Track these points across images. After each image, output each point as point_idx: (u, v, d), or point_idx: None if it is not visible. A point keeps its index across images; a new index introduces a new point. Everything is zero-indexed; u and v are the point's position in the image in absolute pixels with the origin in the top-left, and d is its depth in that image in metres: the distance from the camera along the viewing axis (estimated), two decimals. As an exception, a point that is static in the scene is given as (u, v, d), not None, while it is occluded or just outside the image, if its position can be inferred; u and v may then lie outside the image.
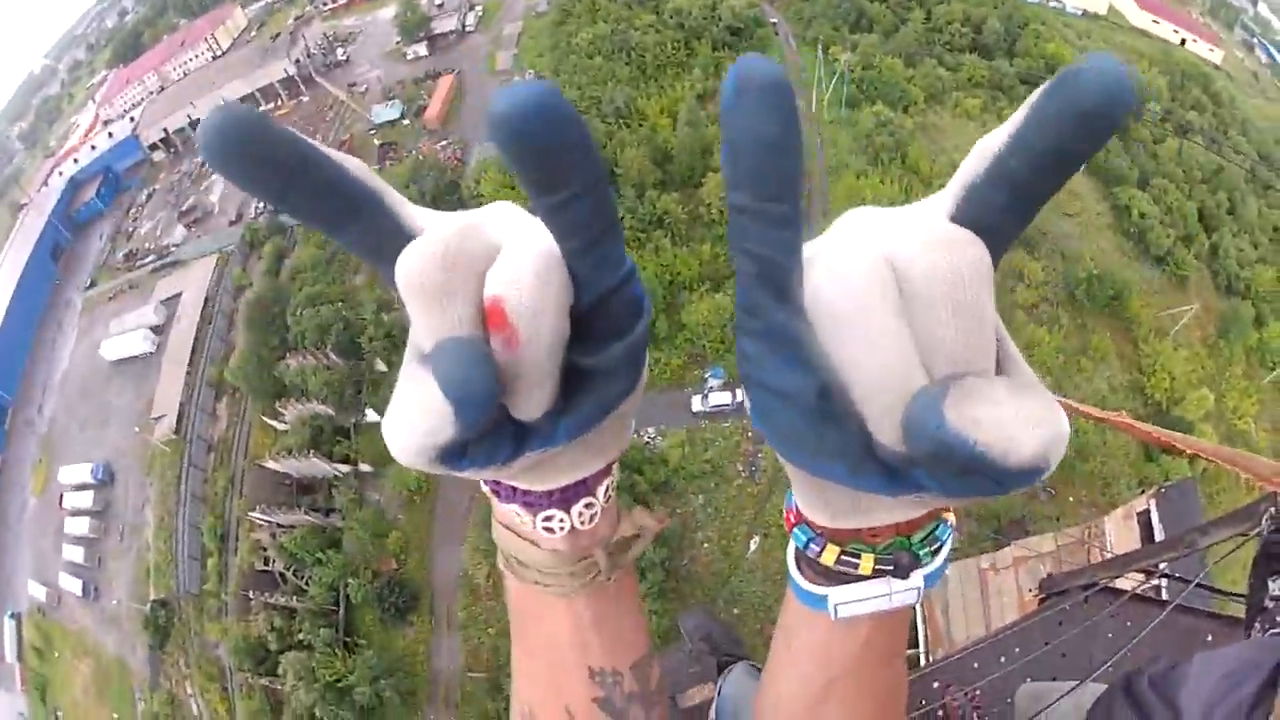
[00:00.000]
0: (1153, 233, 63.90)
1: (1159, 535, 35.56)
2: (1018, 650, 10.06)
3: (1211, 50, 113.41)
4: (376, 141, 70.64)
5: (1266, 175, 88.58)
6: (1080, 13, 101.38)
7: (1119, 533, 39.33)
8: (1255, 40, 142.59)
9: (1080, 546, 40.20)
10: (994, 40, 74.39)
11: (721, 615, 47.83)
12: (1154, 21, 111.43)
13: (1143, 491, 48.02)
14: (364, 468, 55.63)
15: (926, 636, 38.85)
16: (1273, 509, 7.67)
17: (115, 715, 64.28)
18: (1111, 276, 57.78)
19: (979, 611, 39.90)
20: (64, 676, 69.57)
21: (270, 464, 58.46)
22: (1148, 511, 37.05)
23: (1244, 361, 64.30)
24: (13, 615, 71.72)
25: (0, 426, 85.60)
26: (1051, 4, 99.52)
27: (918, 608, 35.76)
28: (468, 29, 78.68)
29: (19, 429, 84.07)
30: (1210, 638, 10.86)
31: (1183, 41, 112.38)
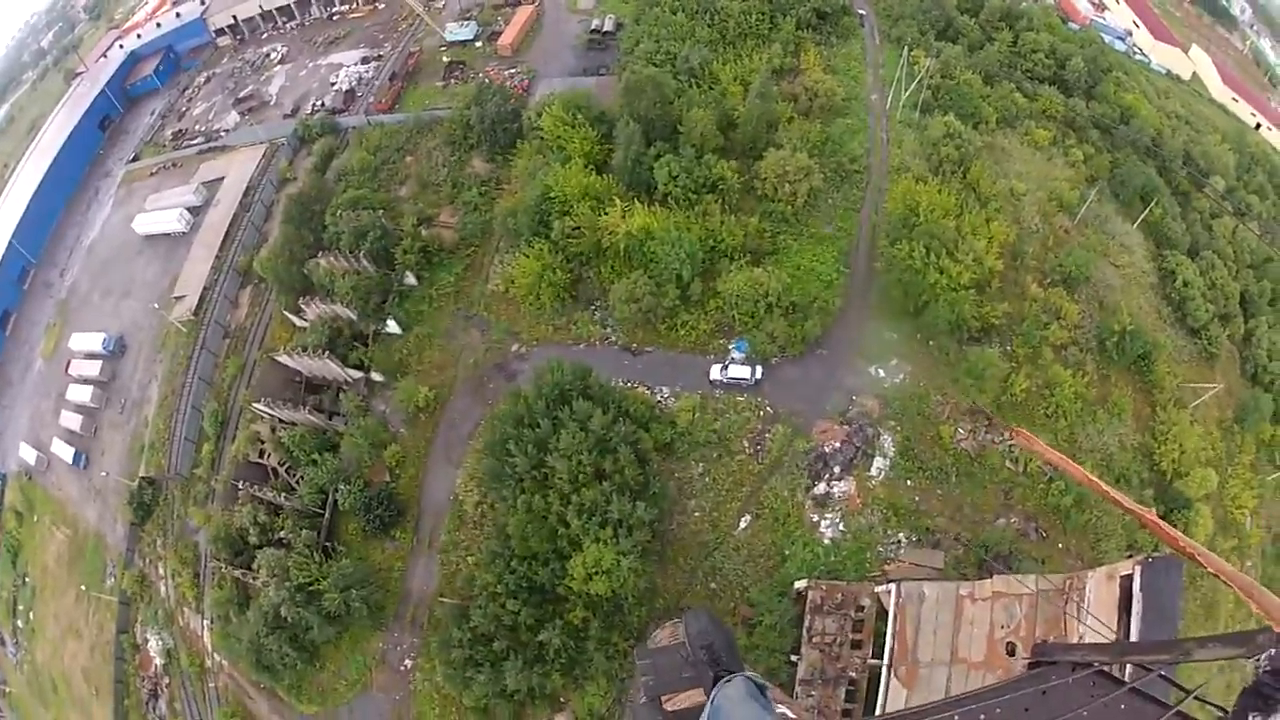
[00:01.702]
0: (1193, 303, 63.01)
1: (1136, 604, 35.13)
2: (999, 712, 9.86)
3: None
4: (445, 59, 70.32)
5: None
6: (1165, 71, 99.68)
7: (1099, 592, 38.73)
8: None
9: (1059, 595, 39.87)
10: (1075, 78, 73.08)
11: (698, 586, 48.04)
12: (1233, 99, 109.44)
13: (1130, 556, 47.66)
14: (375, 376, 55.67)
15: (893, 650, 38.83)
16: (1273, 650, 7.64)
17: (83, 586, 64.91)
18: (1144, 335, 57.08)
19: (948, 636, 39.63)
20: (39, 542, 70.03)
21: (283, 358, 58.45)
22: (1131, 578, 36.62)
23: (1254, 452, 63.43)
24: None
25: (19, 285, 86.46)
26: (1137, 57, 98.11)
27: (890, 619, 35.12)
28: (556, -38, 78.31)
29: (37, 290, 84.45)
30: None
31: (1258, 125, 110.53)
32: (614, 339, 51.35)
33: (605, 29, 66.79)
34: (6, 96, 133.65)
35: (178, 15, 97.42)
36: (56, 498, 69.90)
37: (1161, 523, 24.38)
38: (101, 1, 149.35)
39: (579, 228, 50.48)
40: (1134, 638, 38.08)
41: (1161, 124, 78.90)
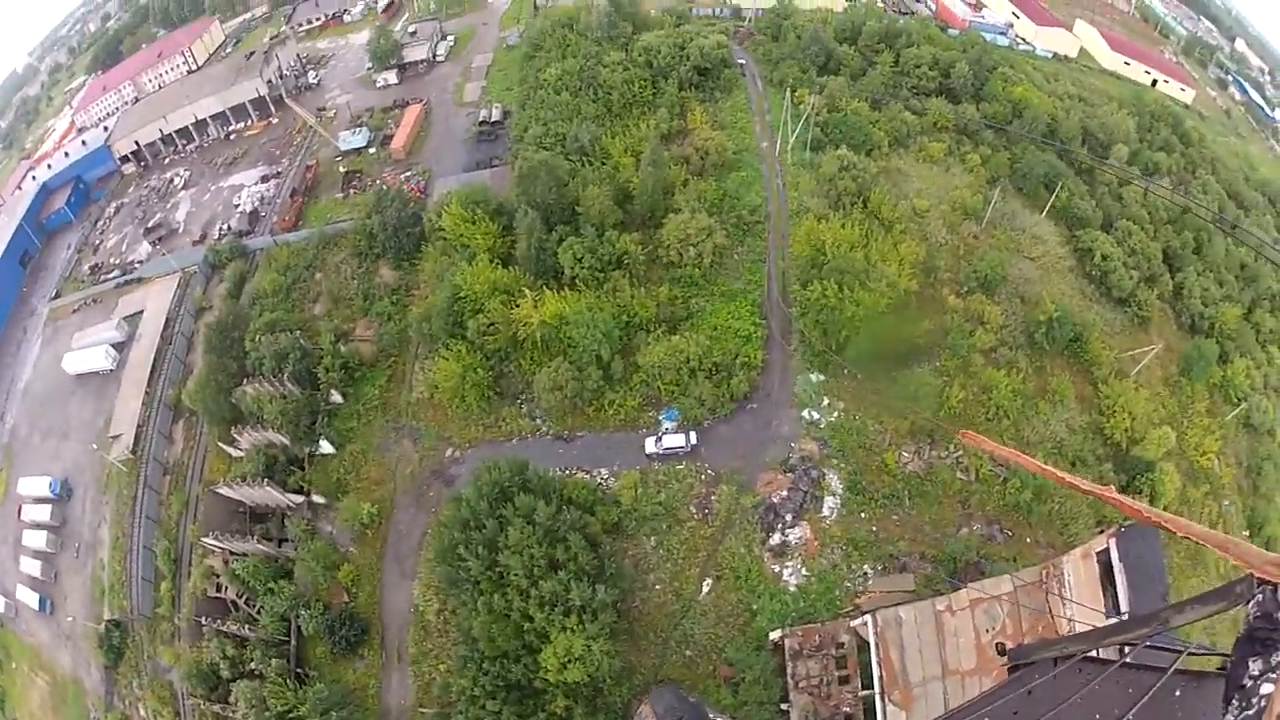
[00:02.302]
0: (1115, 274, 64.55)
1: (1119, 575, 35.71)
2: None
3: (1183, 90, 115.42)
4: (342, 169, 70.78)
5: (1235, 214, 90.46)
6: (1050, 54, 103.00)
7: (1078, 573, 39.34)
8: (1230, 77, 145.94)
9: (1039, 588, 40.39)
10: (961, 84, 75.11)
11: (673, 656, 47.82)
12: (1125, 63, 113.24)
13: (1101, 530, 48.29)
14: (317, 499, 55.12)
15: (882, 678, 38.97)
16: (1260, 595, 7.73)
17: None
18: (1072, 319, 58.27)
19: (935, 653, 39.87)
20: (21, 689, 67.84)
21: (224, 490, 57.78)
22: (1107, 550, 37.22)
23: (1207, 399, 64.78)
24: None
25: None
26: (1022, 47, 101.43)
27: (873, 648, 35.24)
28: (438, 58, 79.06)
29: None
30: (1179, 692, 10.56)
31: (1154, 82, 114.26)
32: (545, 429, 51.44)
33: (493, 119, 67.71)
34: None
35: (84, 143, 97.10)
36: (30, 644, 68.20)
37: (1121, 497, 24.79)
38: (13, 130, 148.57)
39: (493, 324, 50.76)
40: (1124, 608, 38.67)
41: (1055, 109, 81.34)
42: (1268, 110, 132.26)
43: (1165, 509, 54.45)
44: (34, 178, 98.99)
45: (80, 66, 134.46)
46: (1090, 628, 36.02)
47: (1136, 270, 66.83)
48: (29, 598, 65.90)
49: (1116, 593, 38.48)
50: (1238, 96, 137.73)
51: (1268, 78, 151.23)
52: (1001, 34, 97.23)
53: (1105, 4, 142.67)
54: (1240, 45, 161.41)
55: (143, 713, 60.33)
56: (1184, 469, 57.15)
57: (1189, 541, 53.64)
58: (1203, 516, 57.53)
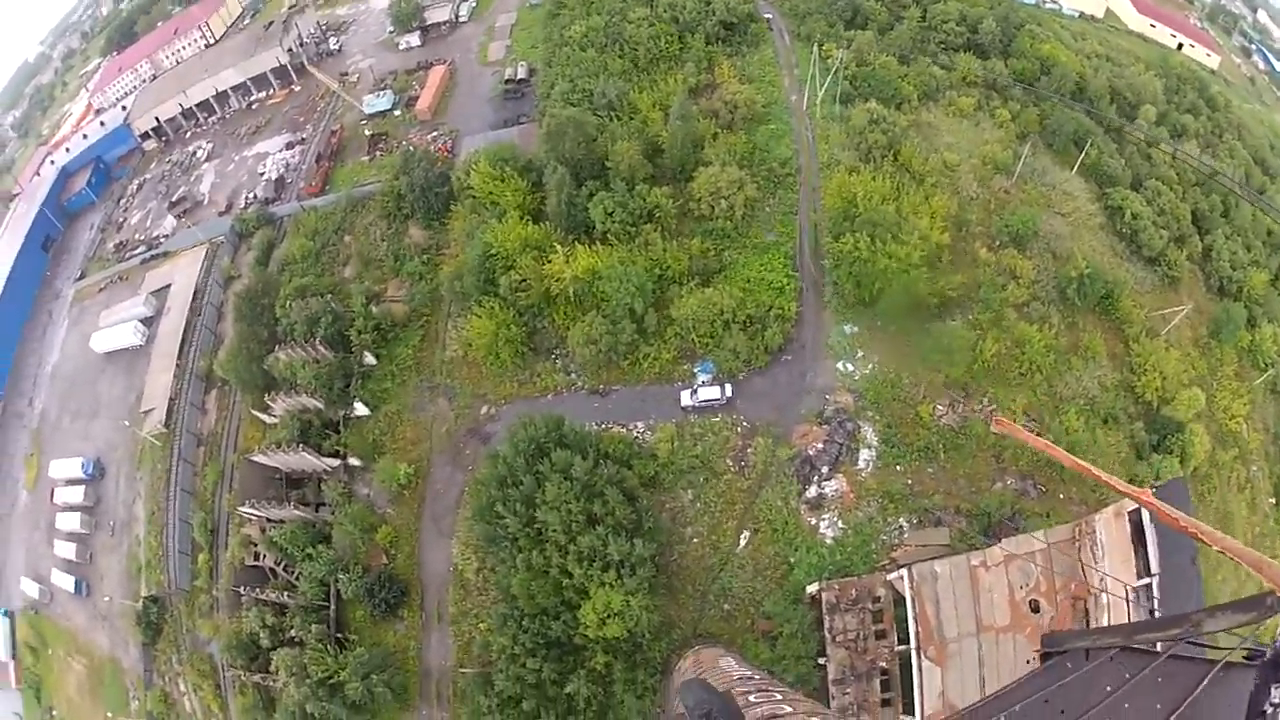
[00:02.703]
0: (1145, 233, 63.62)
1: (1149, 536, 35.45)
2: (1018, 709, 9.80)
3: (1209, 55, 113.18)
4: (368, 132, 70.24)
5: (1261, 180, 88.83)
6: (1077, 14, 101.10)
7: (1109, 531, 39.10)
8: (1254, 46, 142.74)
9: (1071, 545, 40.11)
10: (989, 40, 73.94)
11: (711, 610, 47.85)
12: (1151, 25, 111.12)
13: None
14: (353, 461, 55.29)
15: (918, 633, 38.90)
16: None
17: (109, 713, 63.83)
18: (1103, 276, 57.45)
19: (969, 608, 39.73)
20: (58, 674, 69.02)
21: (259, 458, 58.04)
22: (1139, 510, 36.96)
23: (1235, 362, 64.00)
24: (6, 613, 71.27)
25: None
26: (1048, 5, 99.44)
27: (909, 603, 35.09)
28: (460, 19, 78.15)
29: (9, 422, 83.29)
30: (1199, 681, 10.48)
31: (1179, 46, 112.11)
32: (580, 384, 51.32)
33: (519, 77, 67.01)
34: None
35: (102, 124, 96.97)
36: (66, 628, 69.16)
37: (1159, 503, 24.45)
38: (28, 119, 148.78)
39: (525, 280, 50.52)
40: (1154, 569, 38.46)
41: (1083, 67, 79.81)
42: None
43: (1195, 470, 54.22)
44: (52, 162, 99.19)
45: (95, 50, 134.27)
46: (1122, 588, 36.03)
47: (1166, 230, 65.74)
48: (64, 581, 66.64)
49: (1147, 552, 38.30)
50: (1261, 66, 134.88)
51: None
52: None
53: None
54: (1262, 16, 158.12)
55: (182, 688, 61.20)
56: (1213, 431, 56.34)
57: (1218, 508, 52.88)
58: (1231, 481, 57.02)
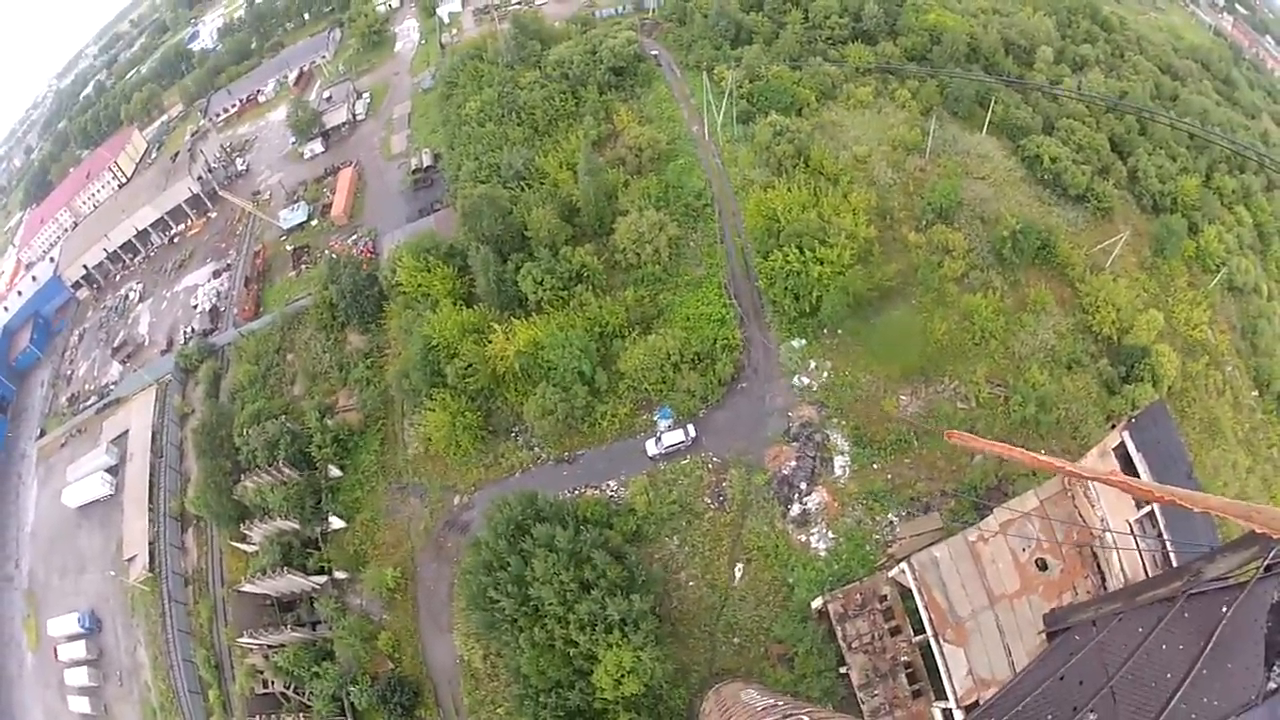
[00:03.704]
0: (1068, 174, 64.58)
1: (1139, 465, 35.71)
2: (1040, 693, 9.91)
3: None
4: (289, 247, 70.47)
5: (1171, 86, 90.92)
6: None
7: (1100, 473, 39.43)
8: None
9: (1064, 496, 40.57)
10: (874, 25, 75.23)
11: (722, 647, 47.82)
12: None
13: (1113, 425, 48.35)
14: (339, 575, 55.00)
15: (931, 621, 39.12)
16: None
17: None
18: (1035, 228, 58.01)
19: (978, 584, 40.00)
20: None
21: (248, 587, 57.56)
22: (1123, 444, 37.35)
23: (1186, 273, 64.87)
24: None
25: None
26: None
27: (916, 594, 35.36)
28: (359, 117, 78.72)
29: (1, 587, 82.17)
30: (1226, 608, 10.35)
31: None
32: (545, 456, 51.50)
33: (425, 165, 67.56)
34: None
35: (34, 279, 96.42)
36: None
37: (1129, 479, 24.34)
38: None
39: (470, 365, 50.77)
40: (1153, 489, 38.52)
41: (971, 27, 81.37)
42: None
43: (1170, 390, 54.92)
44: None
45: (14, 204, 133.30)
46: (1125, 524, 36.40)
47: (1088, 165, 66.99)
48: None
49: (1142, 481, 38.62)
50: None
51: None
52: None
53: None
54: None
55: None
56: (1179, 346, 57.27)
57: (1202, 417, 53.52)
58: (1209, 387, 57.66)
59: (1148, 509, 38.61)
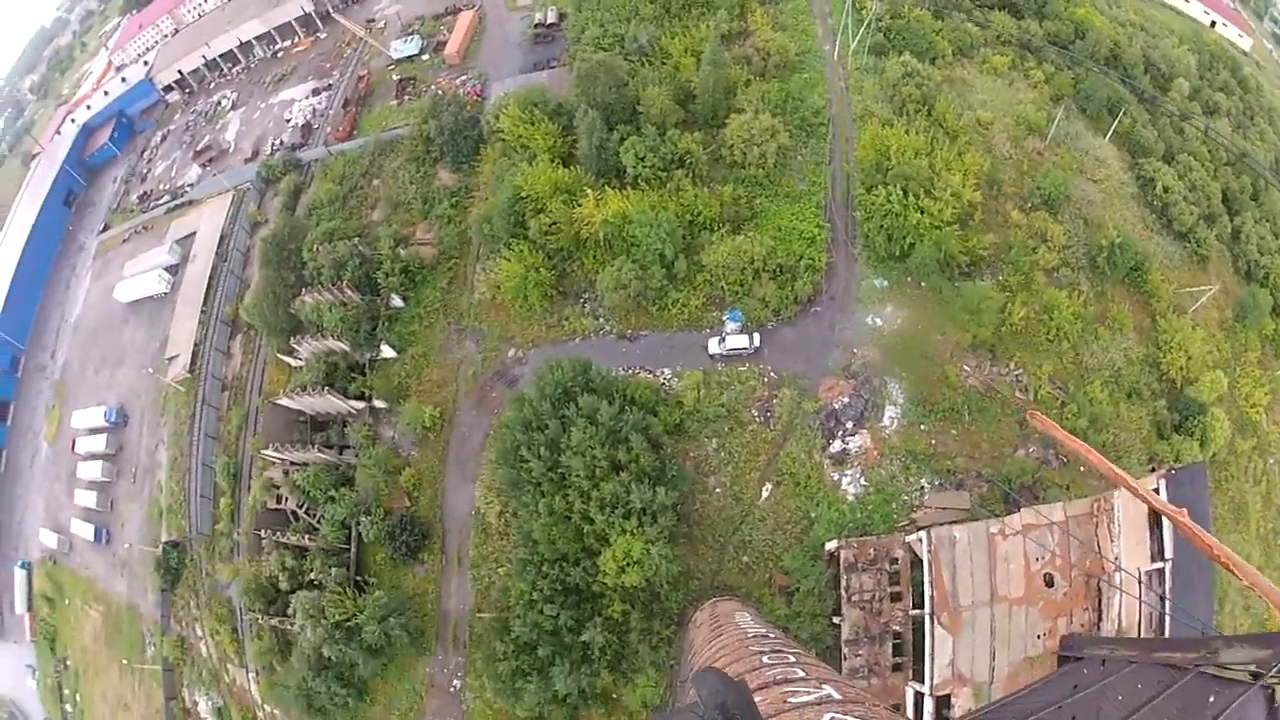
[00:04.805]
0: (1176, 208, 62.64)
1: (1166, 520, 35.08)
2: (1043, 716, 9.70)
3: (1241, 36, 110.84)
4: (395, 77, 69.62)
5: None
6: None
7: (1128, 510, 38.73)
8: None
9: (1089, 519, 39.88)
10: (1024, 0, 72.91)
11: (730, 563, 47.92)
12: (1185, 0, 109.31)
13: (1153, 469, 47.46)
14: (378, 404, 55.53)
15: (933, 598, 38.83)
16: None
17: (125, 660, 64.89)
18: (1133, 246, 56.43)
19: (985, 577, 39.59)
20: (73, 624, 70.12)
21: (284, 401, 58.39)
22: (1157, 491, 36.61)
23: (1259, 349, 63.03)
24: (23, 565, 72.28)
25: (12, 374, 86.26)
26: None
27: (926, 567, 35.21)
28: (490, -38, 77.28)
29: (31, 374, 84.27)
30: (1212, 699, 10.41)
31: (1213, 24, 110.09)
32: (608, 329, 51.20)
33: (549, 21, 66.30)
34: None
35: (124, 80, 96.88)
36: (84, 577, 69.98)
37: (1194, 525, 23.88)
38: (47, 81, 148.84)
39: (555, 223, 50.25)
40: (1168, 554, 38.30)
41: (1117, 34, 78.30)
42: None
43: (1214, 457, 53.82)
44: (73, 120, 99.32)
45: (113, 9, 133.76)
46: (1135, 570, 35.81)
47: (1196, 207, 64.87)
48: (84, 530, 67.64)
49: (1162, 535, 38.12)
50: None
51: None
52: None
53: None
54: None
55: (199, 632, 62.08)
56: (1234, 418, 55.63)
57: (1234, 497, 52.38)
58: (1248, 471, 56.53)
59: (1160, 565, 38.08)
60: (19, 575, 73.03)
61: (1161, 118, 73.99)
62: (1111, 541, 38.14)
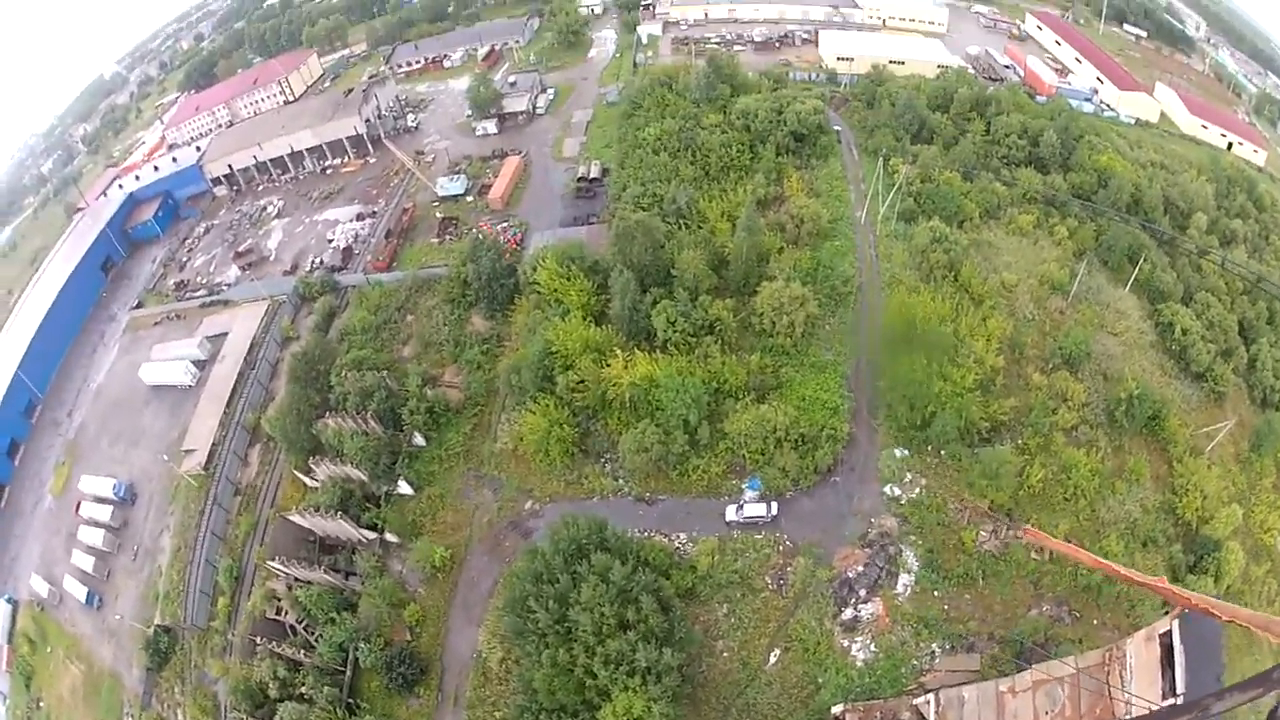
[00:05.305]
0: (1194, 349, 62.79)
1: (1179, 656, 34.21)
2: None
3: (1256, 152, 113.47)
4: (439, 214, 71.58)
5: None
6: (1133, 120, 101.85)
7: (1140, 655, 37.52)
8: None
9: (1101, 669, 38.68)
10: (1049, 153, 74.68)
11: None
12: (1203, 127, 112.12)
13: (1167, 612, 46.21)
14: (390, 537, 55.39)
15: None
16: None
17: None
18: (1152, 397, 56.52)
19: None
20: (52, 672, 68.58)
21: (296, 518, 58.35)
22: (1170, 633, 35.65)
23: (1275, 474, 62.31)
24: (9, 599, 71.34)
25: (26, 417, 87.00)
26: (1107, 113, 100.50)
27: None
28: (538, 111, 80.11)
29: (45, 425, 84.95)
30: None
31: (1229, 146, 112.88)
32: (626, 490, 51.09)
33: (592, 175, 68.43)
34: (8, 220, 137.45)
35: (174, 160, 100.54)
36: (70, 633, 69.11)
37: (1171, 587, 23.64)
38: (99, 135, 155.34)
39: (583, 381, 50.80)
40: (1180, 689, 36.95)
41: (1139, 177, 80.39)
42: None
43: (1229, 589, 52.60)
44: (120, 186, 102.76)
45: (172, 83, 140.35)
46: (1147, 710, 34.63)
47: (1214, 344, 65.40)
48: (76, 590, 66.74)
49: (1174, 674, 36.98)
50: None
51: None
52: (1087, 99, 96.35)
53: (1182, 64, 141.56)
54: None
55: (180, 717, 60.58)
56: (1248, 546, 54.78)
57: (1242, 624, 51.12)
58: (1262, 595, 55.36)
59: (1171, 701, 36.66)
60: (3, 608, 72.10)
61: (1180, 257, 75.13)
62: (1124, 686, 36.98)
